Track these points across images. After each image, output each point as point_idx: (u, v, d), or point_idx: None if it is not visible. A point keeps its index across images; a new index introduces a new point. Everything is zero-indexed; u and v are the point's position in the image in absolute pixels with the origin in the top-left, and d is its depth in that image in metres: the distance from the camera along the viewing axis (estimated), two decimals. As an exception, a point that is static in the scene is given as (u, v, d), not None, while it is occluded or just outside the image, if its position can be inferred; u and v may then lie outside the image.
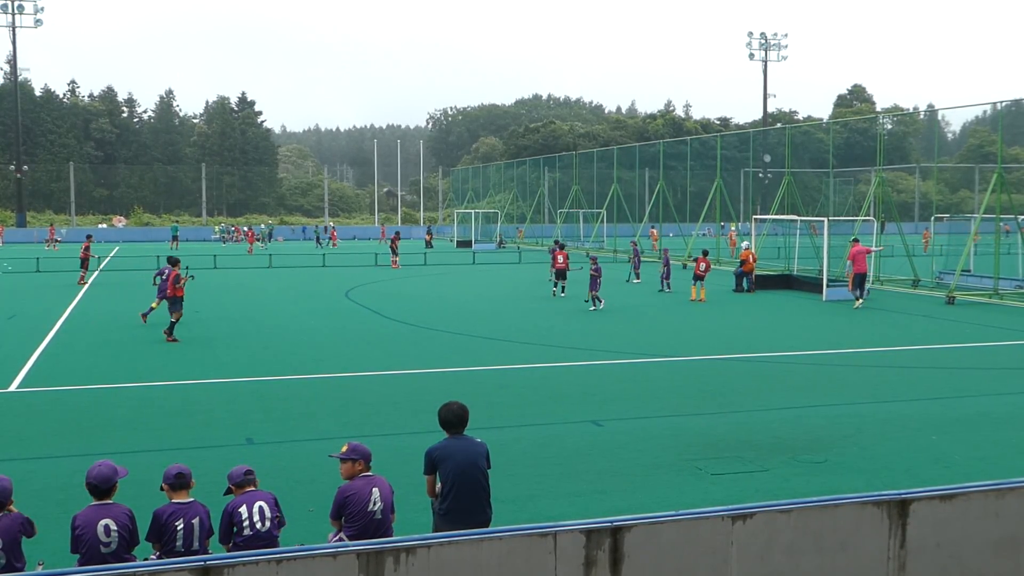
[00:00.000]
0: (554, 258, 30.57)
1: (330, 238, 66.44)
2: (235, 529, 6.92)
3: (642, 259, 37.69)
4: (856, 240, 29.75)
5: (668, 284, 32.19)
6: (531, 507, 9.49)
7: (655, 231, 53.96)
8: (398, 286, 34.54)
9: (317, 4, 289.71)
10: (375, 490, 7.06)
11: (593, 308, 26.55)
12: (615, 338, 21.47)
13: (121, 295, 30.82)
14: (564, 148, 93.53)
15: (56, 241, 63.66)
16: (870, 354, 19.29)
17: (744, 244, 35.47)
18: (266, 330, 22.46)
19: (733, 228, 49.46)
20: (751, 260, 32.58)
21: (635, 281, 35.62)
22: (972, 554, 6.25)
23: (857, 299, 27.81)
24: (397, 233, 48.29)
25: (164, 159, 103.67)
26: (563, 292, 29.95)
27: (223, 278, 37.50)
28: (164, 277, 21.60)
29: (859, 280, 27.91)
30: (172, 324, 20.40)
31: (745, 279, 32.33)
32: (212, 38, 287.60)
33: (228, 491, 7.18)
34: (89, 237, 38.79)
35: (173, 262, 21.41)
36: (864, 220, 38.04)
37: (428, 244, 62.73)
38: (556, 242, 37.17)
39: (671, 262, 33.57)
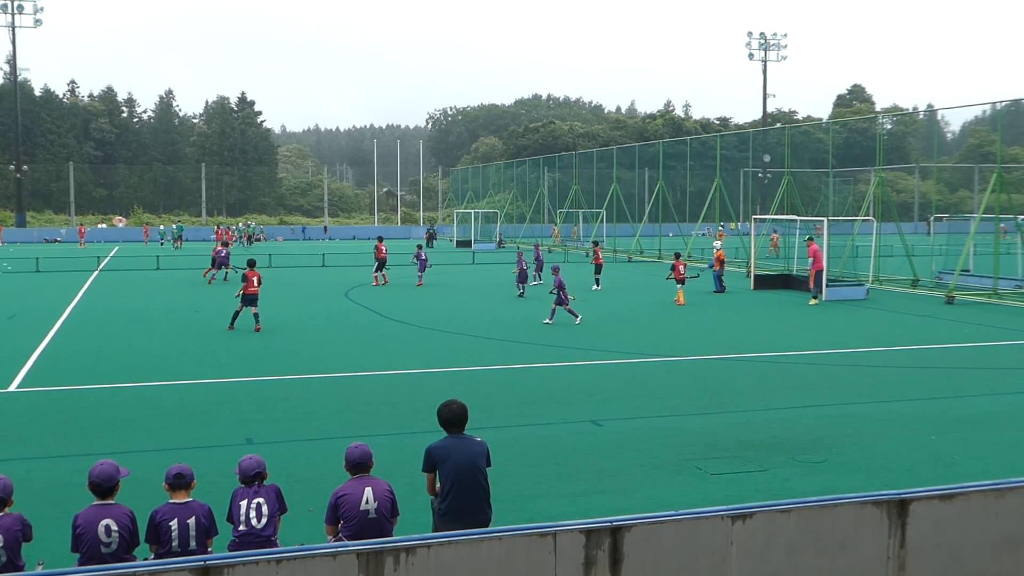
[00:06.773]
0: (596, 254, 34.62)
1: (256, 238, 65.26)
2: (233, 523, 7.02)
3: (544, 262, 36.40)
4: (811, 239, 31.13)
5: (540, 276, 34.79)
6: (531, 507, 9.49)
7: (556, 228, 57.28)
8: (398, 286, 34.52)
9: (317, 4, 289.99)
10: (368, 489, 7.04)
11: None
12: (615, 338, 21.46)
13: (121, 295, 30.85)
14: (564, 148, 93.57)
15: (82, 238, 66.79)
16: (869, 354, 19.29)
17: (715, 244, 35.85)
18: (266, 330, 22.44)
19: (720, 228, 49.76)
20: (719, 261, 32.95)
21: (534, 283, 34.08)
22: (972, 554, 6.25)
23: (814, 298, 28.76)
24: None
25: (164, 159, 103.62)
26: (597, 286, 32.84)
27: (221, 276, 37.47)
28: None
29: (819, 278, 29.12)
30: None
31: (715, 280, 32.41)
32: (212, 38, 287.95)
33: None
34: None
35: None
36: (864, 220, 38.07)
37: (428, 244, 62.69)
38: (594, 242, 40.46)
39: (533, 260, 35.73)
